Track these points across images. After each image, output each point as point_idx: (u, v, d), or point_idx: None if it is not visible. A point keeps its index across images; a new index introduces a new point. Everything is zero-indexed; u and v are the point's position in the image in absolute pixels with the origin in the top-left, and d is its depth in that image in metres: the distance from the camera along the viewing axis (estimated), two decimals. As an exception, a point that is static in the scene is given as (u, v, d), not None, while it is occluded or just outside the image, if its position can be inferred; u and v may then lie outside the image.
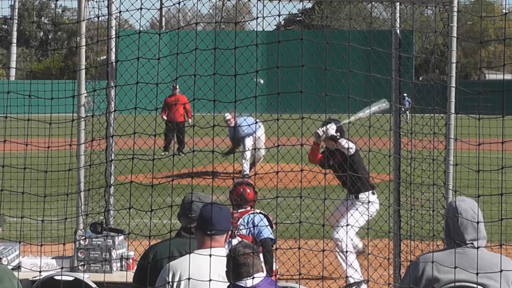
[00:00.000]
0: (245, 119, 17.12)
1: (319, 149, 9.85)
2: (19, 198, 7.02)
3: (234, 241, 7.79)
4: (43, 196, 5.65)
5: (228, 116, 18.61)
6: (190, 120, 23.55)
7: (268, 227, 8.00)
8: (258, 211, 8.24)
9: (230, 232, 5.82)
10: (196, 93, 6.64)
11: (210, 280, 4.73)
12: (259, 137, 18.72)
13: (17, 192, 5.70)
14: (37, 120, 6.07)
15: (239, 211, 8.19)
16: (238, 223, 8.06)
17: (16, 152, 8.48)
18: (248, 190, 8.30)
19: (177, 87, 23.30)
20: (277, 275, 8.32)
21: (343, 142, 9.53)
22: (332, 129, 9.53)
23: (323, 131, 9.51)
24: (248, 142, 18.91)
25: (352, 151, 9.48)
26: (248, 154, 18.83)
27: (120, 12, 7.43)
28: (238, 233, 7.97)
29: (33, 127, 6.44)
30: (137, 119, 7.34)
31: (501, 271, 4.54)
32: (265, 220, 8.09)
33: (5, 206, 5.69)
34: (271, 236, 8.03)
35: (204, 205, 5.57)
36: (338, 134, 9.61)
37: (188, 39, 8.11)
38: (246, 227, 8.04)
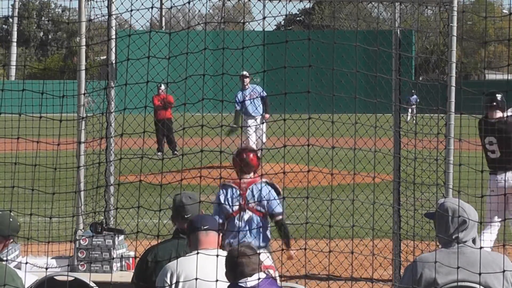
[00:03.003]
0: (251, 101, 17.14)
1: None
2: (20, 198, 7.02)
3: (246, 216, 7.78)
4: (52, 194, 5.64)
5: (246, 73, 17.83)
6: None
7: (276, 199, 7.90)
8: (264, 180, 8.08)
9: (222, 234, 5.86)
10: (197, 92, 6.64)
11: (217, 280, 4.73)
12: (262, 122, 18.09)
13: (27, 188, 5.69)
14: (33, 118, 6.06)
15: (246, 180, 8.00)
16: (246, 194, 7.93)
17: (14, 152, 8.46)
18: (252, 156, 8.13)
19: (161, 86, 23.05)
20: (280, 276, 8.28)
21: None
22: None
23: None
24: (253, 137, 18.66)
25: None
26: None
27: (131, 11, 7.41)
28: (248, 205, 7.87)
29: (34, 127, 6.44)
30: (137, 119, 7.35)
31: (503, 271, 4.54)
32: (272, 191, 7.95)
33: (6, 206, 5.68)
34: (280, 209, 7.94)
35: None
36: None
37: (188, 39, 8.10)
38: (255, 200, 7.91)
